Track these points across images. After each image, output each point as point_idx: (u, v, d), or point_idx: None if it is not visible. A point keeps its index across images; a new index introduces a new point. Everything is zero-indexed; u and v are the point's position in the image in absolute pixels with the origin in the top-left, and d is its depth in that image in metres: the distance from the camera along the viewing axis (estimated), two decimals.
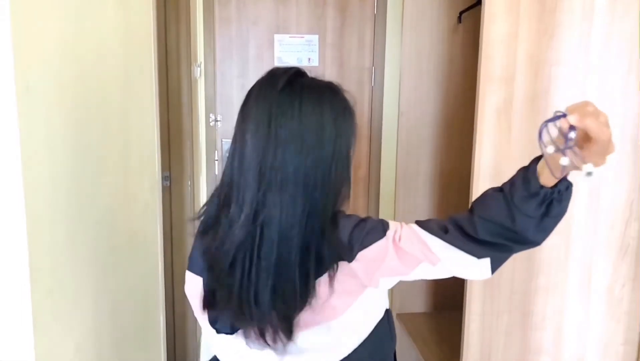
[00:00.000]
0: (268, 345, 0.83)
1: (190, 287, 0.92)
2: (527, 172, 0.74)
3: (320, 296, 0.81)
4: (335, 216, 0.84)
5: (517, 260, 1.52)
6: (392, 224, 0.84)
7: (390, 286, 0.86)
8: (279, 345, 0.82)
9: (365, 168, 2.67)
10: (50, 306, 0.95)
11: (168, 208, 2.41)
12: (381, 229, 0.83)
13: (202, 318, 0.90)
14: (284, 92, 0.80)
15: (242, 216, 0.80)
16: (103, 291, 1.24)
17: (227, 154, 0.86)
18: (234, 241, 0.80)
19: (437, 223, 0.84)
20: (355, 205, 2.68)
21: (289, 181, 0.78)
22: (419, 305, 2.55)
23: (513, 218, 0.74)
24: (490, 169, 1.46)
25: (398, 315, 2.50)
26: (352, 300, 0.84)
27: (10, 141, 0.80)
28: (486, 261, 0.80)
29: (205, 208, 0.90)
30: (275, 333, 0.82)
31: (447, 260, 0.81)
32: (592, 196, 1.51)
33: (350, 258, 0.82)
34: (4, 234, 0.82)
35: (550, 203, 0.73)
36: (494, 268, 0.81)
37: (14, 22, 0.79)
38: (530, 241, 0.77)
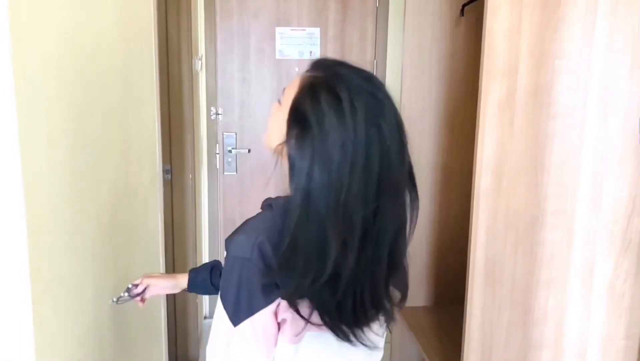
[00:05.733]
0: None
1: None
2: None
3: None
4: None
5: (518, 255, 1.51)
6: None
7: None
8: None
9: None
10: (51, 300, 0.94)
11: (169, 201, 2.41)
12: None
13: None
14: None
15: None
16: (104, 286, 1.24)
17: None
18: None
19: None
20: None
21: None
22: (420, 298, 2.55)
23: None
24: (492, 163, 1.46)
25: None
26: None
27: (9, 134, 0.80)
28: None
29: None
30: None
31: None
32: (594, 190, 1.50)
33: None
34: (3, 229, 0.82)
35: None
36: None
37: (12, 12, 0.78)
38: None
